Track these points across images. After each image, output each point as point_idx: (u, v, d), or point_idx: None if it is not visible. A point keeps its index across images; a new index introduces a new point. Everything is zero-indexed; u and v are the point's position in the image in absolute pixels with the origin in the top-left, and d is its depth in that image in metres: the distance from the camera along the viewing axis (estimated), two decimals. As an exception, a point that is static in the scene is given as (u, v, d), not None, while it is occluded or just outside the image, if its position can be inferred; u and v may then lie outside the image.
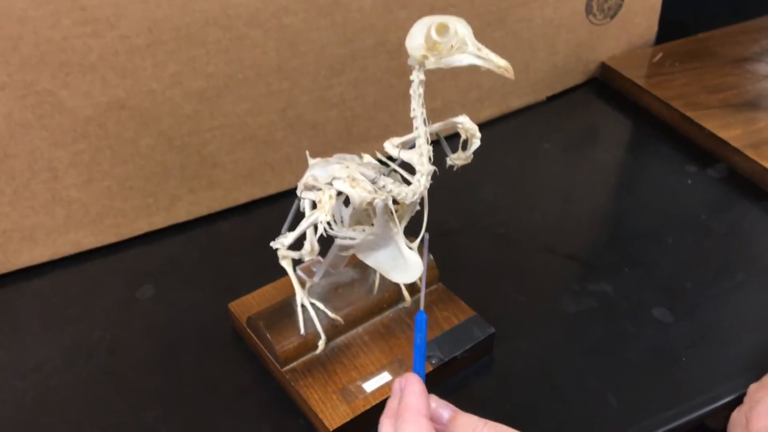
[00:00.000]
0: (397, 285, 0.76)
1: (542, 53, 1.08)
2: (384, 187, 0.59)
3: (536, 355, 0.76)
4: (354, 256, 0.76)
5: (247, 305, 0.77)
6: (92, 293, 0.83)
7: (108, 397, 0.72)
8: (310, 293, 0.73)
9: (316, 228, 0.59)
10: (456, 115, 0.63)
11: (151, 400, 0.71)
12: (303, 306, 0.71)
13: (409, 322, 0.75)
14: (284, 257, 0.71)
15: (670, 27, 1.22)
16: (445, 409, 0.55)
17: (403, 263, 0.63)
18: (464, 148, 0.64)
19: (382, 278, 0.75)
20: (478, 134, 0.61)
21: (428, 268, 0.78)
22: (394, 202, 0.61)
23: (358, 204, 0.58)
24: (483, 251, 0.88)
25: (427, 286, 0.78)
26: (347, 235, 0.63)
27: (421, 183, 0.57)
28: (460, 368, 0.73)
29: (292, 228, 0.62)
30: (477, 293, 0.79)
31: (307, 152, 0.67)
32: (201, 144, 0.87)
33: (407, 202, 0.58)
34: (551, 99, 1.14)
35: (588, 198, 0.97)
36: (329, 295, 0.73)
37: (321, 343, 0.71)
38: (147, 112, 0.82)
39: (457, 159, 0.65)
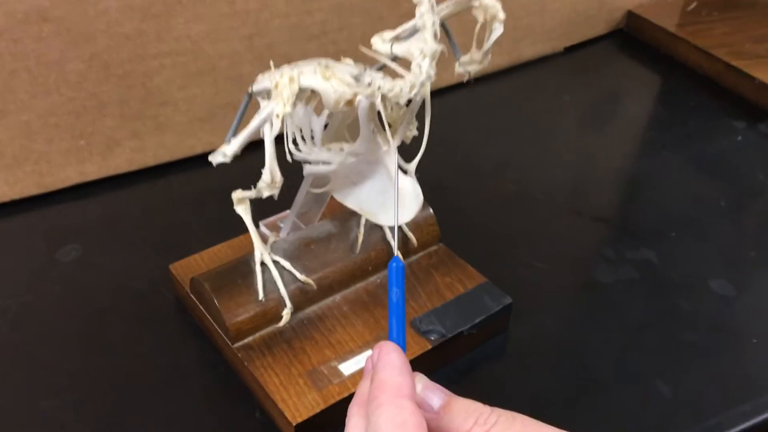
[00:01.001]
0: (387, 243, 0.59)
1: (561, -8, 0.92)
2: (371, 83, 0.42)
3: (563, 332, 0.59)
4: (330, 208, 0.59)
5: (193, 267, 0.60)
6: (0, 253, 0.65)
7: (8, 380, 0.54)
8: (274, 249, 0.56)
9: (289, 152, 0.42)
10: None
11: (65, 384, 0.55)
12: (263, 264, 0.54)
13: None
14: (240, 200, 0.54)
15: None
16: (435, 393, 0.38)
17: (395, 197, 0.46)
18: (479, 46, 0.48)
19: (368, 233, 0.58)
20: (501, 15, 0.44)
21: (427, 224, 0.61)
22: (389, 123, 0.44)
23: (333, 103, 0.41)
24: (492, 211, 0.71)
25: (425, 247, 0.62)
26: (320, 158, 0.46)
27: (422, 69, 0.40)
28: (468, 348, 0.57)
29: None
30: (486, 259, 0.63)
31: (272, 62, 0.51)
32: (146, 74, 0.71)
33: (402, 99, 0.41)
34: (569, 51, 0.98)
35: (618, 155, 0.81)
36: (299, 251, 0.56)
37: (286, 313, 0.54)
38: (76, 28, 0.66)
39: (470, 63, 0.48)
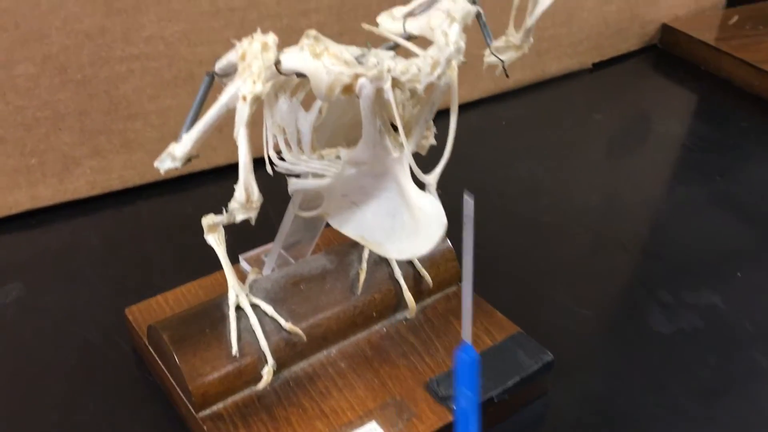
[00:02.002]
0: (395, 283, 0.47)
1: (591, 0, 0.82)
2: (378, 64, 0.31)
3: (616, 397, 0.47)
4: (326, 238, 0.48)
5: (154, 311, 0.49)
6: (-76, 292, 0.54)
7: None
8: (254, 290, 0.44)
9: (278, 162, 0.30)
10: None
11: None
12: (239, 309, 0.43)
13: (414, 342, 0.46)
14: (211, 227, 0.42)
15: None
16: None
17: (410, 220, 0.34)
18: (518, 25, 0.37)
19: (372, 270, 0.47)
20: (552, -21, 0.33)
21: (444, 260, 0.50)
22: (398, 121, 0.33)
23: (327, 90, 0.30)
24: (522, 245, 0.60)
25: (442, 287, 0.50)
26: (310, 168, 0.35)
27: (449, 39, 0.28)
28: (499, 418, 0.45)
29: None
30: (517, 303, 0.52)
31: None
32: (110, 81, 0.60)
33: (421, 83, 0.30)
34: (597, 67, 0.87)
35: (662, 181, 0.70)
36: (285, 293, 0.45)
37: (267, 372, 0.42)
38: (26, 24, 0.56)
39: (506, 48, 0.37)
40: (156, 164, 0.35)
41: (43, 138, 0.60)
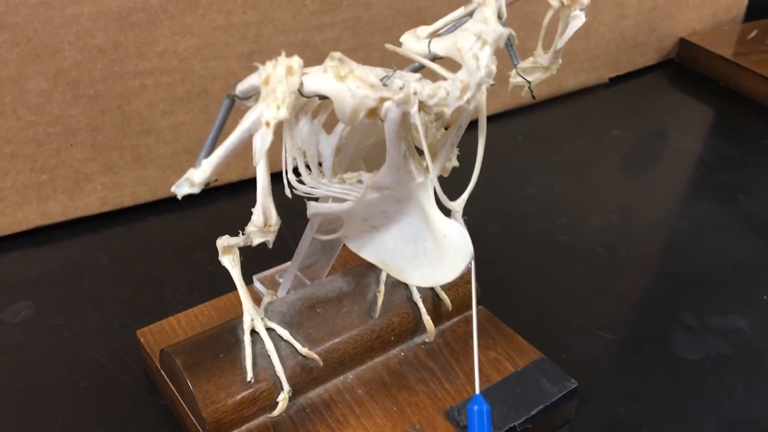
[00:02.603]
0: (414, 306, 0.46)
1: (608, 14, 0.81)
2: (403, 87, 0.30)
3: (642, 425, 0.46)
4: (342, 259, 0.47)
5: (166, 333, 0.48)
6: (-68, 311, 0.53)
7: None
8: (269, 313, 0.43)
9: (296, 180, 0.29)
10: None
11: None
12: (254, 333, 0.42)
13: (433, 368, 0.45)
14: (226, 249, 0.41)
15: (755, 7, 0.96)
16: None
17: (434, 247, 0.33)
18: (547, 45, 0.36)
19: (390, 293, 0.46)
20: (585, -1, 0.32)
21: (463, 282, 0.49)
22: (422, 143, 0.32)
23: (351, 114, 0.29)
24: (539, 265, 0.59)
25: (461, 310, 0.49)
26: (330, 192, 0.33)
27: (480, 62, 0.27)
28: (521, 448, 0.43)
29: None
30: (537, 327, 0.50)
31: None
32: (123, 96, 0.59)
33: (449, 108, 0.29)
34: (614, 82, 0.86)
35: (683, 199, 0.68)
36: (301, 316, 0.44)
37: (282, 399, 0.41)
38: (38, 39, 0.55)
39: (533, 69, 0.36)
40: (173, 189, 0.33)
41: (54, 154, 0.59)
